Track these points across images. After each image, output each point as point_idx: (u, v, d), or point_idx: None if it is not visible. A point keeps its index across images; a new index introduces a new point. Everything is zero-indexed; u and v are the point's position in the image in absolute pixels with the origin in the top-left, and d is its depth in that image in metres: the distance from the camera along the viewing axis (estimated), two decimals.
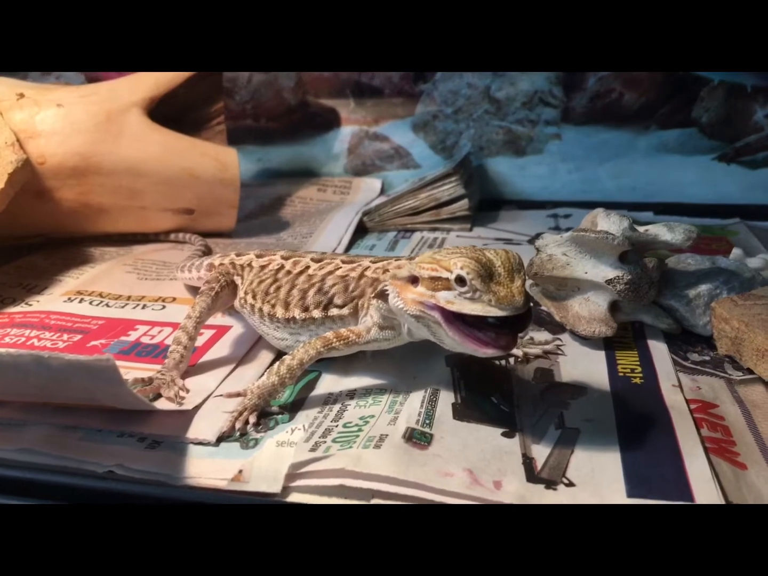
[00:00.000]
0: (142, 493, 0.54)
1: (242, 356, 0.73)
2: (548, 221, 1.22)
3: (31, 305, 0.87)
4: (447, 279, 0.55)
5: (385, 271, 0.64)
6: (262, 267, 0.74)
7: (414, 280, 0.59)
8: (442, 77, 1.31)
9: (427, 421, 0.60)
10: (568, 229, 1.15)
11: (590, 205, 1.18)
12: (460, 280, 0.54)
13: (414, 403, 0.63)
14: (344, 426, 0.60)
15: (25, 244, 1.08)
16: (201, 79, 1.14)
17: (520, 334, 0.63)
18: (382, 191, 1.34)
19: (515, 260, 0.56)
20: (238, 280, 0.76)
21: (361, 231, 1.18)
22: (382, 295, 0.63)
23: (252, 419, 0.61)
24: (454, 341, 0.57)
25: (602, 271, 0.73)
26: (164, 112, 1.10)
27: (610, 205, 0.84)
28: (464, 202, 1.17)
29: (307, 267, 0.70)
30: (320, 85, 1.38)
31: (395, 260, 0.65)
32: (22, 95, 1.03)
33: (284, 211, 1.30)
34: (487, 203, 1.29)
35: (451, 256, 0.56)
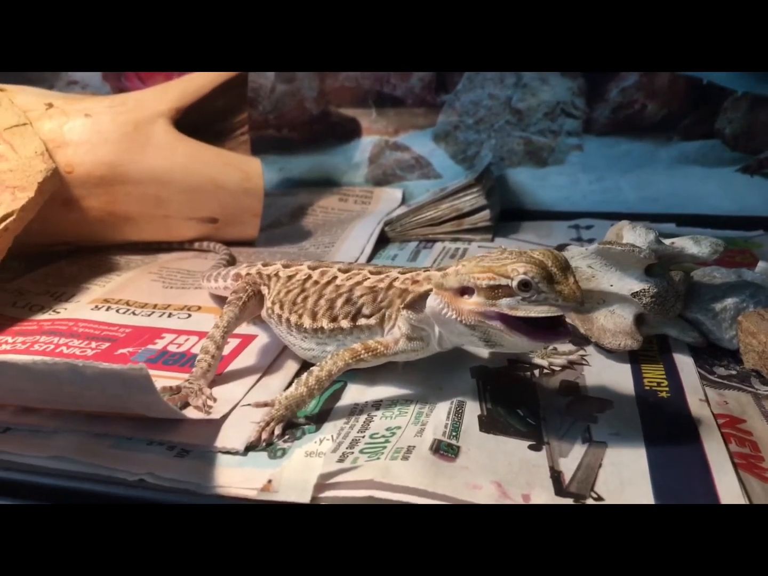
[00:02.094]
0: (173, 502, 0.55)
1: (268, 366, 0.74)
2: (570, 232, 1.22)
3: (58, 313, 0.88)
4: (507, 286, 0.55)
5: (414, 281, 0.65)
6: (290, 277, 0.74)
7: (464, 290, 0.59)
8: (463, 88, 1.32)
9: (454, 433, 0.60)
10: (590, 240, 1.16)
11: (612, 216, 1.20)
12: (524, 285, 0.54)
13: (440, 414, 0.63)
14: (371, 437, 0.60)
15: (51, 252, 1.10)
16: (226, 89, 1.15)
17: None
18: (403, 201, 1.35)
19: (563, 258, 0.57)
20: (264, 290, 0.76)
21: (382, 241, 1.18)
22: (414, 306, 0.63)
23: (278, 430, 0.61)
24: (518, 343, 0.57)
25: (628, 284, 0.73)
26: (190, 122, 1.11)
27: (631, 217, 0.84)
28: (486, 213, 1.17)
29: (335, 277, 0.71)
30: (342, 95, 1.39)
31: (423, 271, 0.66)
32: (50, 105, 1.05)
33: (306, 220, 1.31)
34: (508, 214, 1.29)
35: (504, 261, 0.56)
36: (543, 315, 0.55)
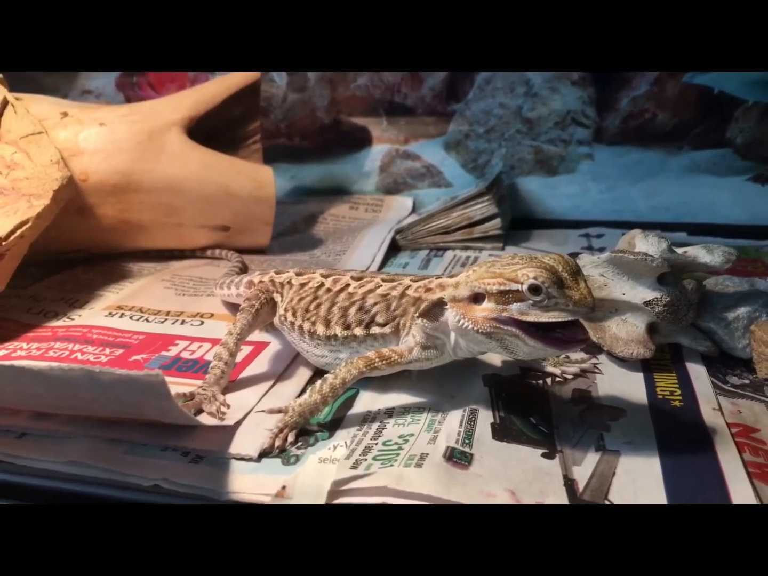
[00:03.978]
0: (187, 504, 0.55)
1: (280, 373, 0.74)
2: (581, 241, 1.21)
3: (73, 319, 0.89)
4: (518, 291, 0.56)
5: (427, 289, 0.65)
6: (302, 285, 0.75)
7: (475, 297, 0.59)
8: (474, 97, 1.33)
9: (467, 441, 0.60)
10: (601, 249, 1.16)
11: (622, 225, 1.20)
12: (535, 289, 0.55)
13: (453, 422, 0.63)
14: (384, 444, 0.60)
15: (66, 259, 1.11)
16: (239, 98, 1.16)
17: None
18: (414, 209, 1.35)
19: (573, 263, 0.57)
20: (277, 297, 0.77)
21: (393, 249, 1.19)
22: (428, 315, 0.63)
23: (291, 437, 0.61)
24: (534, 349, 0.57)
25: (640, 292, 0.73)
26: (203, 130, 1.12)
27: (642, 226, 0.84)
28: (497, 221, 1.17)
29: (347, 285, 0.71)
30: (353, 104, 1.40)
31: (436, 278, 0.66)
32: (65, 114, 1.06)
33: (317, 228, 1.31)
34: (518, 222, 1.30)
35: (514, 267, 0.57)
36: (554, 320, 0.55)
